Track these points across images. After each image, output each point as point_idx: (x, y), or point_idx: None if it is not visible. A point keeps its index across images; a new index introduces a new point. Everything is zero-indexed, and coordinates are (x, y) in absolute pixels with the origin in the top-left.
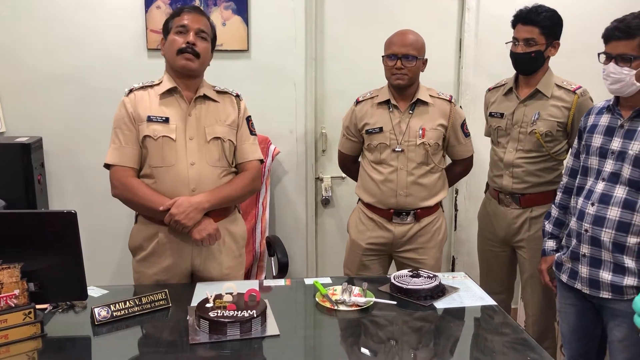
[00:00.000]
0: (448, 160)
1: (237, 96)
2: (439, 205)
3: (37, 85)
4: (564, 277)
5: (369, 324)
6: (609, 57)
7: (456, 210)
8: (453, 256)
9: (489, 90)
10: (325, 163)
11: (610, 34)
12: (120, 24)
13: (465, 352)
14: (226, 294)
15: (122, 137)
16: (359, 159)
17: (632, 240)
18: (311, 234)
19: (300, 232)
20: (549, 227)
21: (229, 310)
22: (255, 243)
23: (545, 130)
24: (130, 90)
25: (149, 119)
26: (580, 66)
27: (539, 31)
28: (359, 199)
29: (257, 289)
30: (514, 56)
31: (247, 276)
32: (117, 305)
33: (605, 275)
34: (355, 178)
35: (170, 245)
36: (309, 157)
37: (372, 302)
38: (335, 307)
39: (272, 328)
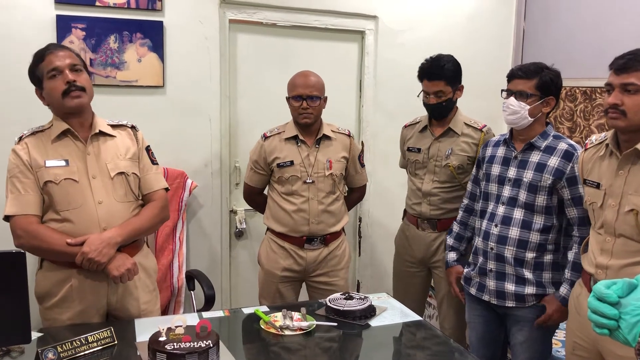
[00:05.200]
0: None
1: (133, 127)
2: (342, 230)
3: None
4: (473, 291)
5: (318, 345)
6: (510, 93)
7: (360, 237)
8: (358, 280)
9: (406, 126)
10: (238, 196)
11: (514, 74)
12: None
13: None
14: (176, 326)
15: (19, 185)
16: (266, 192)
17: (529, 255)
18: (225, 267)
19: (215, 265)
20: (450, 240)
21: (184, 342)
22: (172, 278)
23: (457, 163)
24: (20, 138)
25: (48, 165)
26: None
27: (445, 83)
28: (268, 229)
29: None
30: (429, 107)
31: (165, 312)
32: (63, 346)
33: (510, 287)
34: (260, 209)
35: (84, 288)
36: (224, 190)
37: (314, 325)
38: (281, 333)
39: (227, 357)
